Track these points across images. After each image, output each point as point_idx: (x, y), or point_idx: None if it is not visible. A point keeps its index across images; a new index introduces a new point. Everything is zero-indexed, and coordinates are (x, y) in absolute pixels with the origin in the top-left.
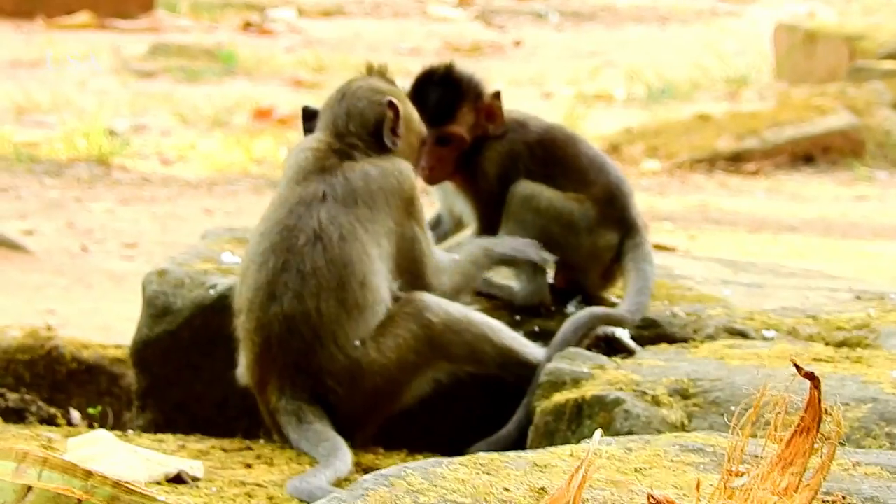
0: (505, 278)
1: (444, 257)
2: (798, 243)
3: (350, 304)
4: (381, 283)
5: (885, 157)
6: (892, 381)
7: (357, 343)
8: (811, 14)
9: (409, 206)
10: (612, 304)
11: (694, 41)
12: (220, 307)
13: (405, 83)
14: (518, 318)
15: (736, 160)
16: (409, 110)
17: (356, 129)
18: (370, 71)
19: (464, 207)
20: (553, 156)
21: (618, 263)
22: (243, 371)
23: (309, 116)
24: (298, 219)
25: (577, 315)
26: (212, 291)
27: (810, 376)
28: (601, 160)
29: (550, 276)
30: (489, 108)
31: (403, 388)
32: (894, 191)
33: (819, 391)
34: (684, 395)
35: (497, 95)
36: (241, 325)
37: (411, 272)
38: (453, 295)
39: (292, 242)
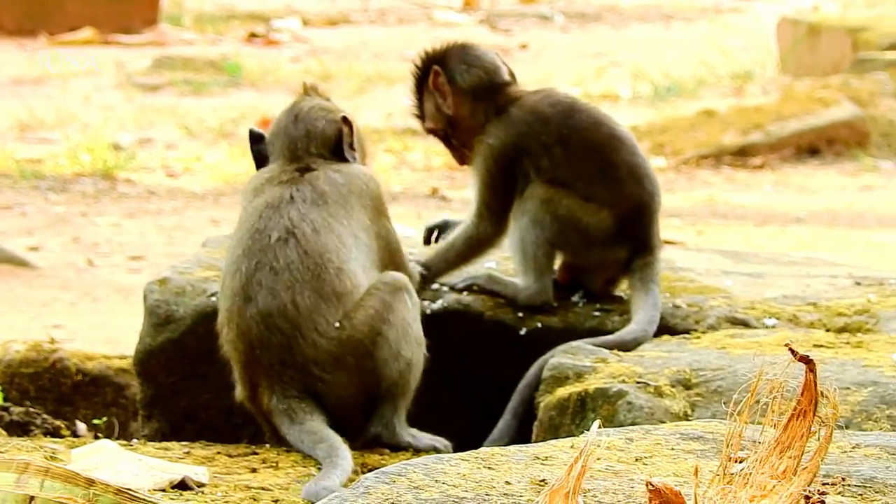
0: (509, 275)
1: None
2: (805, 235)
3: (327, 291)
4: (358, 270)
5: (890, 146)
6: (893, 364)
7: (337, 325)
8: (815, 8)
9: (378, 206)
10: (616, 300)
11: (698, 39)
12: None
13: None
14: (521, 315)
15: (742, 155)
16: (356, 121)
17: (317, 150)
18: (307, 91)
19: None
20: (585, 158)
21: (624, 274)
22: (238, 388)
23: (256, 139)
24: (269, 220)
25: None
26: (213, 299)
27: (805, 360)
28: (641, 171)
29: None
30: (435, 89)
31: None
32: None
33: (814, 375)
34: (687, 385)
35: (436, 73)
36: (225, 339)
37: (391, 265)
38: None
39: (264, 243)
